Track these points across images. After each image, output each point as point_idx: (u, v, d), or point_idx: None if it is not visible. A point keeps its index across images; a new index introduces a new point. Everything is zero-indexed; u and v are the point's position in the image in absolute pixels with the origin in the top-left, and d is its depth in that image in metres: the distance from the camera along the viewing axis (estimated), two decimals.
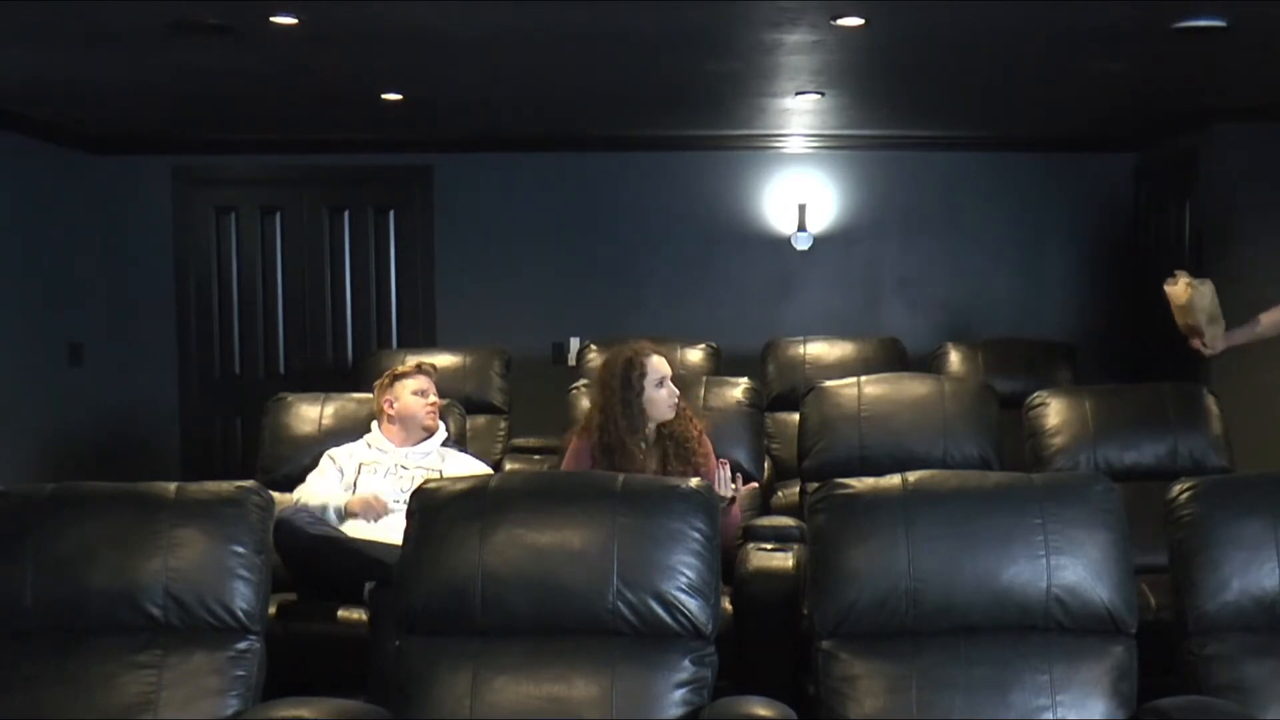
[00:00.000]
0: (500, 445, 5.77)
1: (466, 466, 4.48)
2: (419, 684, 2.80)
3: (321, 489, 4.32)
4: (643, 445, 4.05)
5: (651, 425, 4.09)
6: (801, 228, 7.58)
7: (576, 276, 7.62)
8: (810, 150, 7.62)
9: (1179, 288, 4.49)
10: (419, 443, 4.49)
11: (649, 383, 4.06)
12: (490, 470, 4.61)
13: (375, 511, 4.24)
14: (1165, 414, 4.58)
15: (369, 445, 4.47)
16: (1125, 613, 2.85)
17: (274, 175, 7.68)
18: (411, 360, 4.85)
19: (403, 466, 4.38)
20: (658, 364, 4.10)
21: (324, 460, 4.43)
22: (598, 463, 4.02)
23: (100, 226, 7.46)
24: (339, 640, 3.86)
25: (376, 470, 4.36)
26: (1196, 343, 4.54)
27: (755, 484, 4.47)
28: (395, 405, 4.50)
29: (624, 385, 4.06)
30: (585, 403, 4.72)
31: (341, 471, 4.38)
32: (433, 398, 4.55)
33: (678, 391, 4.13)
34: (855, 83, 5.93)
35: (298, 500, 4.30)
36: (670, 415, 4.09)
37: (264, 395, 5.05)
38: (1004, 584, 2.82)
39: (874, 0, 4.40)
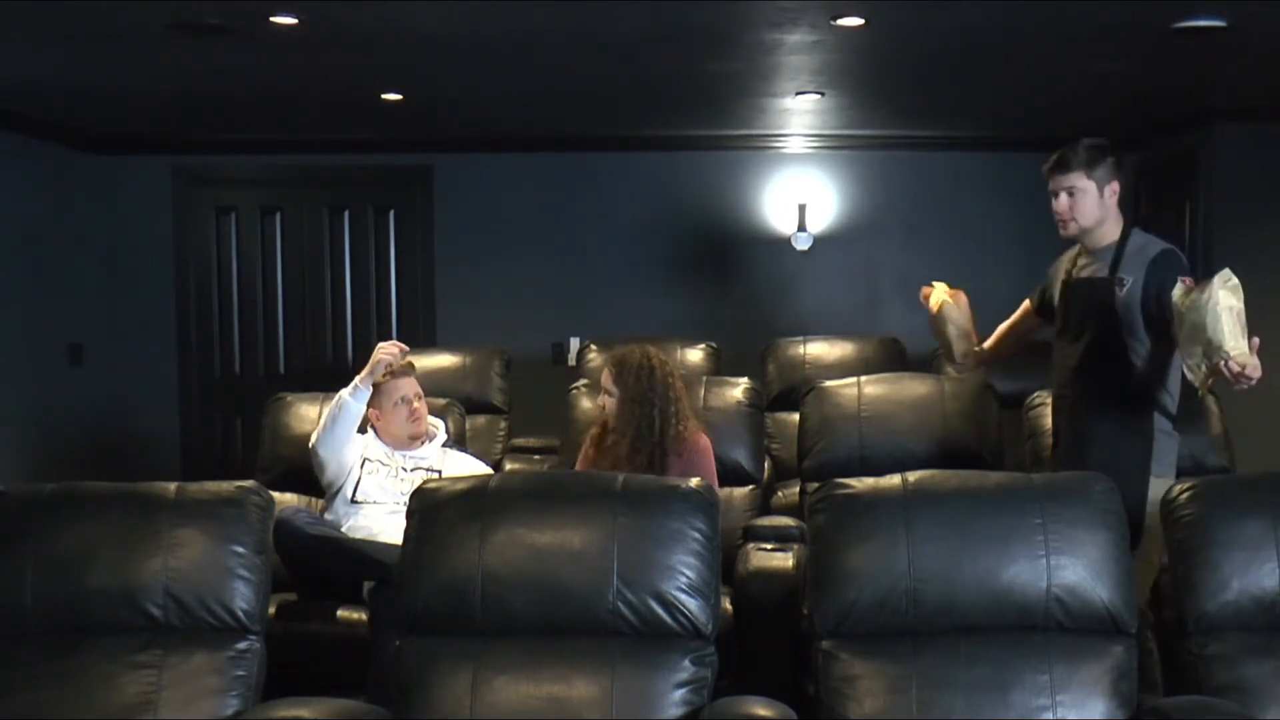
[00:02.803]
0: (500, 445, 5.77)
1: (466, 467, 4.47)
2: (419, 684, 2.80)
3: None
4: (629, 446, 4.03)
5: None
6: (801, 228, 7.58)
7: (576, 276, 7.62)
8: (810, 150, 7.62)
9: (932, 294, 4.12)
10: (417, 447, 4.47)
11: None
12: (490, 470, 4.60)
13: (392, 354, 4.29)
14: None
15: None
16: (1125, 613, 2.84)
17: (274, 175, 7.68)
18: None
19: (403, 468, 4.37)
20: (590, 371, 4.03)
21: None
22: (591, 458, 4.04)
23: (100, 226, 7.46)
24: (339, 640, 3.86)
25: (377, 471, 4.35)
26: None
27: None
28: (381, 418, 4.44)
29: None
30: (585, 403, 4.73)
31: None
32: (416, 403, 4.42)
33: (607, 402, 4.07)
34: (855, 83, 5.93)
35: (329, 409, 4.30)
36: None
37: (264, 395, 5.03)
38: (1004, 584, 2.82)
39: (874, 0, 4.40)
